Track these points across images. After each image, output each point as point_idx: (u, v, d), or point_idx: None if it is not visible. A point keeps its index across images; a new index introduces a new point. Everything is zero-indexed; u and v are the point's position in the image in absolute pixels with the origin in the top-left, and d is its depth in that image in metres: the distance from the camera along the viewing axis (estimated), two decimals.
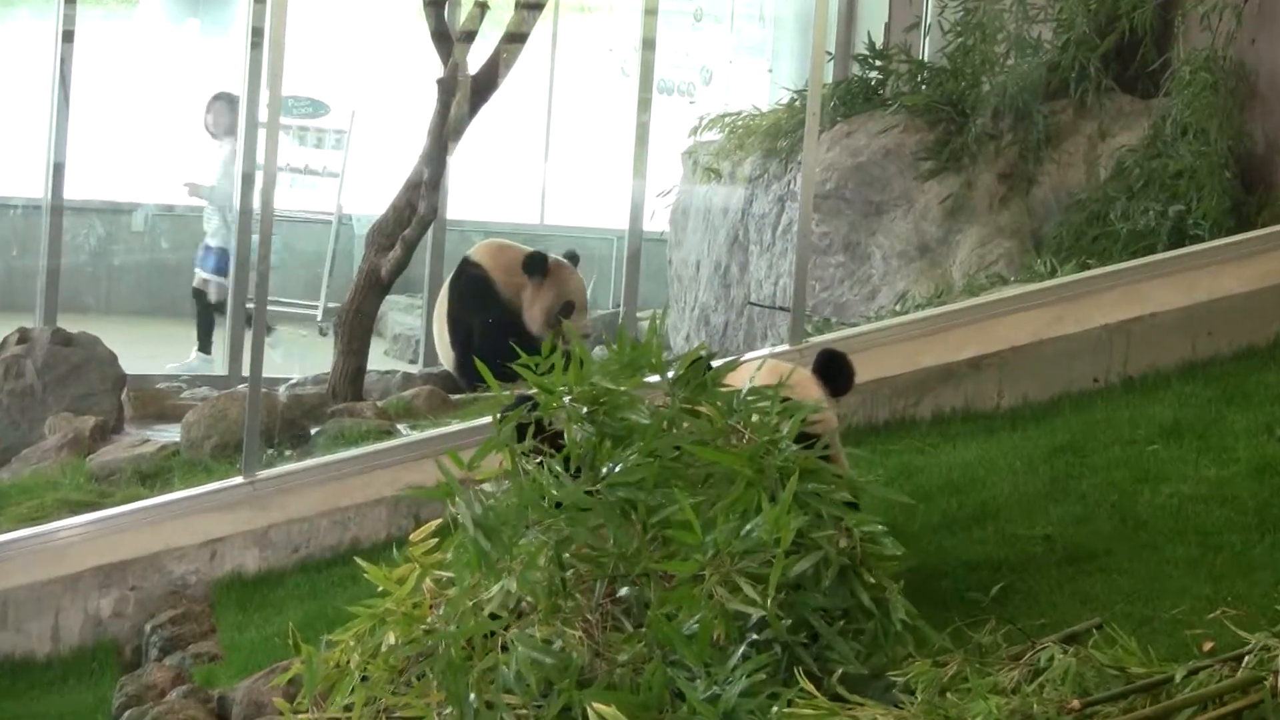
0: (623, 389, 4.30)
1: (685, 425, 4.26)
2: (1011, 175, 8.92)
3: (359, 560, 4.70)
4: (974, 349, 7.14)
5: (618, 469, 4.15)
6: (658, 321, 4.47)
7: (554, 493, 4.14)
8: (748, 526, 3.93)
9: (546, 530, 4.13)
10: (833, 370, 5.12)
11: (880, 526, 4.14)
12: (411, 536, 4.57)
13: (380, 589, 4.46)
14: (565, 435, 4.30)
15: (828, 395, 5.07)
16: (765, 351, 7.49)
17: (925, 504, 5.72)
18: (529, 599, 4.16)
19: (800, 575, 3.97)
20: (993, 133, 8.95)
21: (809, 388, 4.97)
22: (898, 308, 8.42)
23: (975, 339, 7.18)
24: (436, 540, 4.47)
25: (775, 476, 4.04)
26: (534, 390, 4.35)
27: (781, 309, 9.30)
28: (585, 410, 4.29)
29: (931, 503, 5.80)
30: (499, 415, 4.39)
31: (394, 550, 4.67)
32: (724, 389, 4.35)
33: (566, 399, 4.30)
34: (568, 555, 4.15)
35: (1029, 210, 8.85)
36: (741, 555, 3.89)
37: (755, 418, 4.24)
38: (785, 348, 7.28)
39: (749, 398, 4.31)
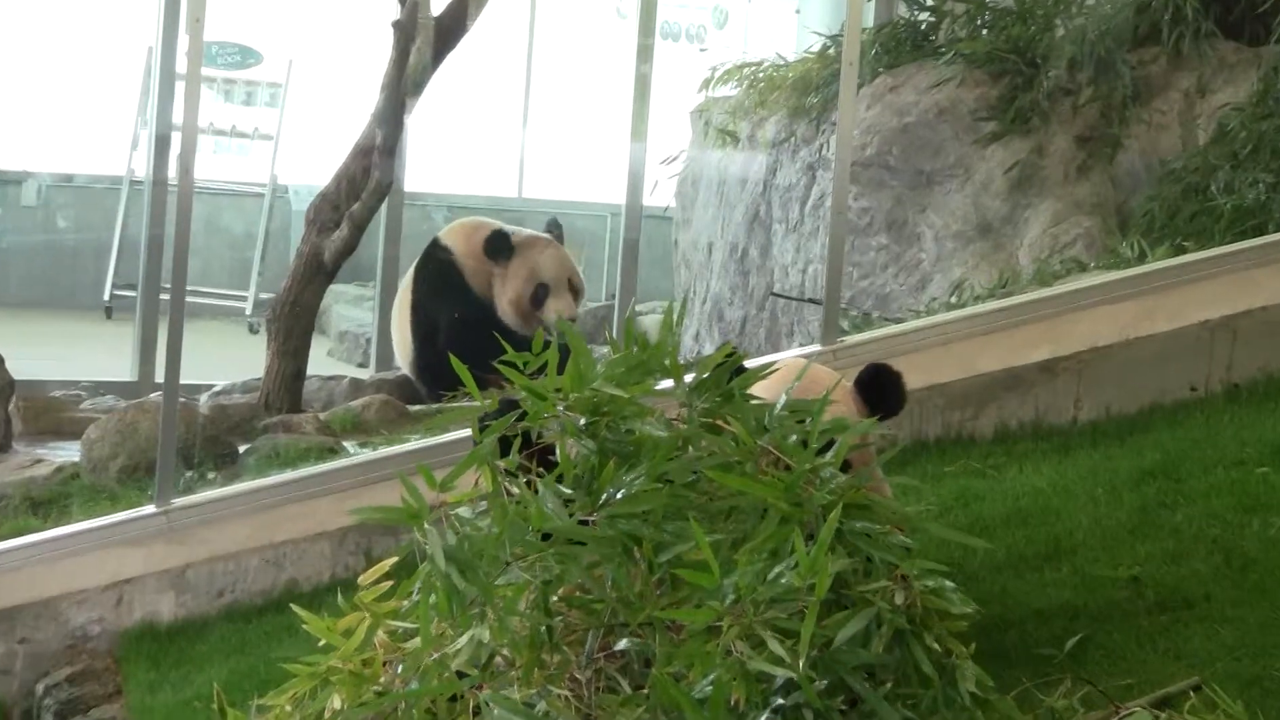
0: (630, 396, 4.28)
1: (705, 444, 4.24)
2: (1091, 139, 8.94)
3: (296, 607, 4.69)
4: (1046, 350, 7.16)
5: (620, 495, 4.13)
6: (673, 315, 4.42)
7: (541, 521, 4.13)
8: (777, 569, 3.91)
9: (530, 567, 4.11)
10: (878, 389, 5.11)
11: (947, 582, 4.12)
12: (361, 579, 4.55)
13: (322, 642, 4.46)
14: (558, 451, 4.29)
15: (868, 415, 5.08)
16: (799, 351, 7.49)
17: (986, 539, 5.71)
18: (506, 652, 4.16)
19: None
20: (1069, 87, 8.97)
21: (846, 404, 4.97)
22: (953, 300, 8.44)
23: (1047, 338, 7.20)
24: (390, 583, 4.47)
25: (817, 512, 4.02)
26: (521, 395, 4.33)
27: (811, 301, 9.31)
28: (583, 421, 4.28)
29: (994, 537, 5.81)
30: (480, 423, 4.38)
31: (339, 595, 4.67)
32: (754, 401, 4.33)
33: (560, 406, 4.28)
34: (555, 599, 4.14)
35: (1113, 181, 8.86)
36: (768, 604, 3.88)
37: (794, 438, 4.22)
38: (816, 348, 7.29)
39: (785, 413, 4.28)
